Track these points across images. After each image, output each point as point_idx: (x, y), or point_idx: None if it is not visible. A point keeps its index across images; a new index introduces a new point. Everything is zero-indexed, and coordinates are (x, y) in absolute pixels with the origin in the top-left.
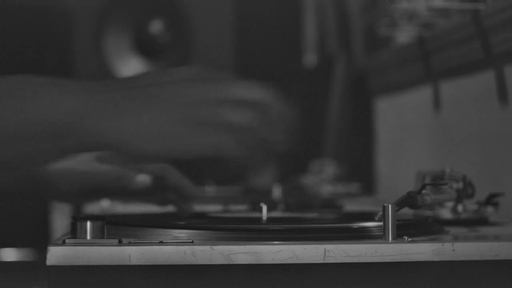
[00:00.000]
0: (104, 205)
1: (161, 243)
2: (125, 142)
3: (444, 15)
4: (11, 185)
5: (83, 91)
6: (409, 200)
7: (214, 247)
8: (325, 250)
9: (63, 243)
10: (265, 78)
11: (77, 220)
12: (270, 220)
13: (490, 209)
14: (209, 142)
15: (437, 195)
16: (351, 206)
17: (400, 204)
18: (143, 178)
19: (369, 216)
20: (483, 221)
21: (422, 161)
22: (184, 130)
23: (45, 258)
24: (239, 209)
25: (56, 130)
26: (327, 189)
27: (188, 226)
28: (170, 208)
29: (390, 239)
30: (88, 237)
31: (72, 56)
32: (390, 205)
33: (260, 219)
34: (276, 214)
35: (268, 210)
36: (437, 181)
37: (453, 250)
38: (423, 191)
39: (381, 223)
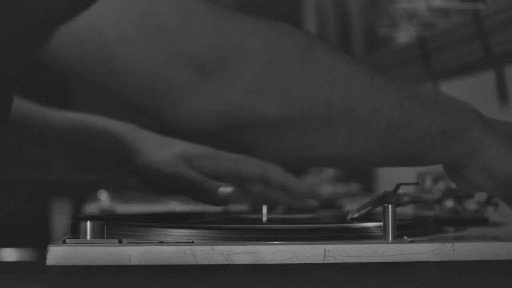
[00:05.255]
0: (104, 205)
1: (161, 243)
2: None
3: (444, 15)
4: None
5: None
6: (383, 199)
7: (214, 247)
8: (325, 250)
9: (63, 243)
10: None
11: (77, 220)
12: (270, 220)
13: (490, 209)
14: None
15: (418, 195)
16: (351, 206)
17: (373, 203)
18: (224, 190)
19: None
20: (483, 221)
21: None
22: None
23: (45, 258)
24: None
25: None
26: (327, 189)
27: (188, 226)
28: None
29: (390, 239)
30: (88, 237)
31: None
32: (390, 205)
33: (260, 219)
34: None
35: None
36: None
37: (453, 250)
38: (399, 191)
39: (381, 223)
